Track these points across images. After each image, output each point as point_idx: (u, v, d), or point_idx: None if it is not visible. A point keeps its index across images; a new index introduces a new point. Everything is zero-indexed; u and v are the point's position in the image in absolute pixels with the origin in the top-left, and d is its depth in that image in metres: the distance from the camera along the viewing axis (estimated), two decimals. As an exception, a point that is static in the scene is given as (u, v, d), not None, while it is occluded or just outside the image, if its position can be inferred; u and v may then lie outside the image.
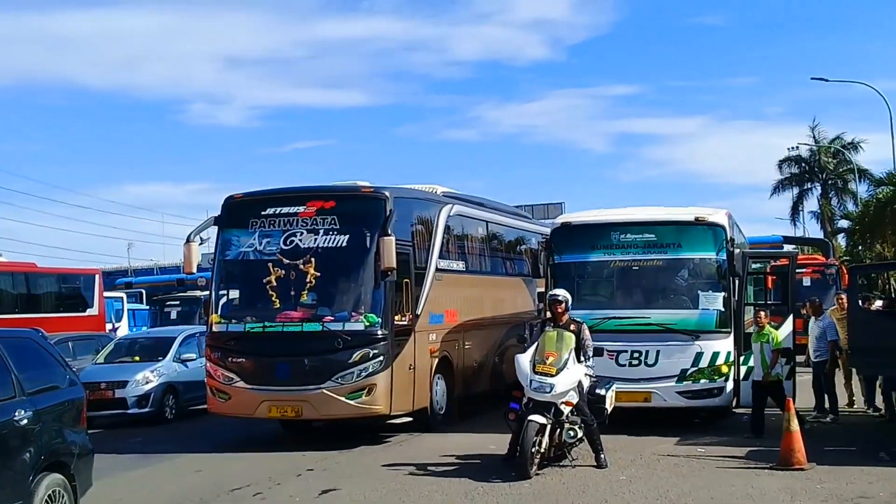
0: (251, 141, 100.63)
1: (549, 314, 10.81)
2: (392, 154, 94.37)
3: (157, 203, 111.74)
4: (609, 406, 10.74)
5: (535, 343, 10.13)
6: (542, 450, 9.68)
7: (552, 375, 9.68)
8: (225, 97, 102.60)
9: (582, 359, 10.21)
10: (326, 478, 10.16)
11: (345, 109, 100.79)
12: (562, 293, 10.71)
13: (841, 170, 49.81)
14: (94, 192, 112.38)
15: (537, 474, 9.63)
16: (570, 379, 9.83)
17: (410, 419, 12.85)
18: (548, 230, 15.11)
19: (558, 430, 9.87)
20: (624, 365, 12.40)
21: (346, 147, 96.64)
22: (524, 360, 9.97)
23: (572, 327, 10.32)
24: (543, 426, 9.59)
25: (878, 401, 13.65)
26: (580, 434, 10.03)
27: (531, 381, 9.74)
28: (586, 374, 10.27)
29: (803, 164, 51.98)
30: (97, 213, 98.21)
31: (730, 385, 12.55)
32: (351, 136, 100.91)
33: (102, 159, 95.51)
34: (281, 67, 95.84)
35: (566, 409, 9.84)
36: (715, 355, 12.38)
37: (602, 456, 10.22)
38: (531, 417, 9.52)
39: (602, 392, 10.61)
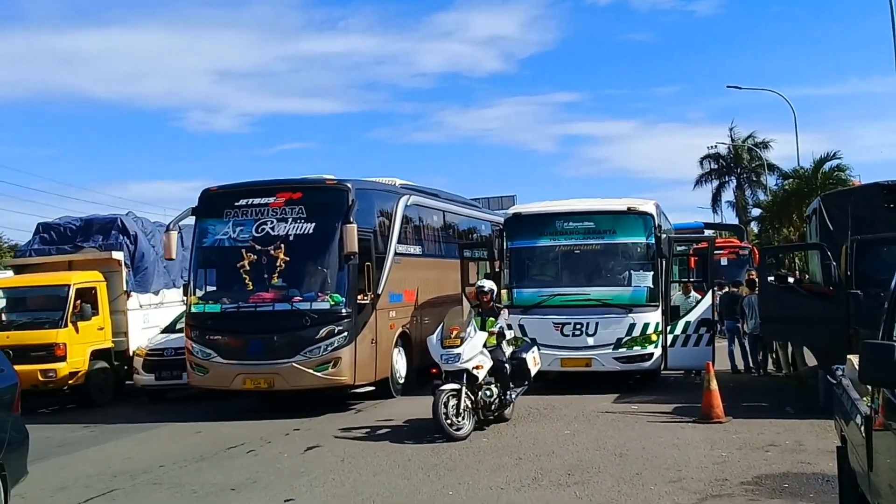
0: (242, 144, 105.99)
1: (476, 301, 11.83)
2: (365, 155, 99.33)
3: (160, 199, 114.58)
4: (532, 367, 11.37)
5: (441, 323, 11.05)
6: (460, 410, 10.29)
7: (457, 346, 10.45)
8: (218, 106, 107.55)
9: (506, 334, 11.23)
10: (310, 437, 10.99)
11: (323, 116, 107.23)
12: (488, 284, 11.71)
13: (753, 165, 53.27)
14: (103, 190, 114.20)
15: (484, 429, 10.58)
16: (474, 346, 10.56)
17: (373, 388, 13.64)
18: (498, 219, 16.26)
19: (479, 392, 10.63)
20: (568, 335, 13.73)
21: (324, 149, 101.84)
22: (434, 339, 10.81)
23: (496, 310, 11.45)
24: (456, 391, 10.32)
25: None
26: (497, 392, 10.75)
27: (441, 355, 10.55)
28: (507, 342, 11.23)
29: (721, 161, 55.41)
30: (107, 208, 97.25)
31: (658, 351, 13.92)
32: (329, 139, 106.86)
33: (110, 161, 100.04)
34: (267, 79, 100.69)
35: (480, 374, 10.59)
36: (645, 326, 13.74)
37: (508, 412, 11.21)
38: (441, 387, 10.30)
39: (523, 355, 11.30)
